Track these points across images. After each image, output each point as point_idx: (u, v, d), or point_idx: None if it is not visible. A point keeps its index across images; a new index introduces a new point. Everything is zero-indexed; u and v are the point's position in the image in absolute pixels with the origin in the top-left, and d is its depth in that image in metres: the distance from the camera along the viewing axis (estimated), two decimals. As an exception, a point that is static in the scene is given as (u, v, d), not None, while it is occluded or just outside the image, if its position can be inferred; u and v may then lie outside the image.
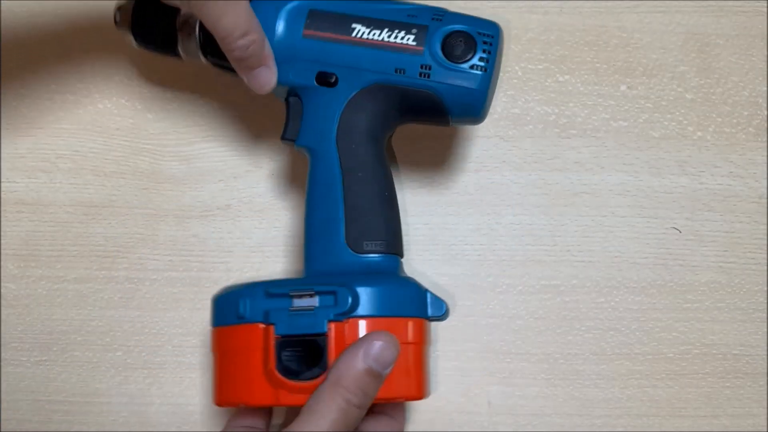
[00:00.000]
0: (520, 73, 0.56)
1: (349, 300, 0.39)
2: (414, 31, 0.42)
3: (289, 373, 0.40)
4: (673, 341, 0.54)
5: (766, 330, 0.54)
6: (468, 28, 0.42)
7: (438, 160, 0.55)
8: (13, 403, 0.52)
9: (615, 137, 0.55)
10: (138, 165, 0.54)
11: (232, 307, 0.41)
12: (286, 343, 0.40)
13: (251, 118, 0.55)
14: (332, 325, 0.39)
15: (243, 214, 0.54)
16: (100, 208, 0.54)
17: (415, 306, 0.42)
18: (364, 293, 0.40)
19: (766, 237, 0.54)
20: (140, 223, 0.54)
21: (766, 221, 0.55)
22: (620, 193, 0.55)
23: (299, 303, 0.40)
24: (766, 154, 0.55)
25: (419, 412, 0.52)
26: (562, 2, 0.56)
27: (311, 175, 0.44)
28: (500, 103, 0.55)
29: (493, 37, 0.43)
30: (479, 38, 0.42)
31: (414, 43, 0.42)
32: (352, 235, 0.43)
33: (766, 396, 0.53)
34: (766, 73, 0.56)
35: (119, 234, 0.54)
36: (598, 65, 0.56)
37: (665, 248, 0.54)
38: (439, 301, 0.42)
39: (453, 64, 0.42)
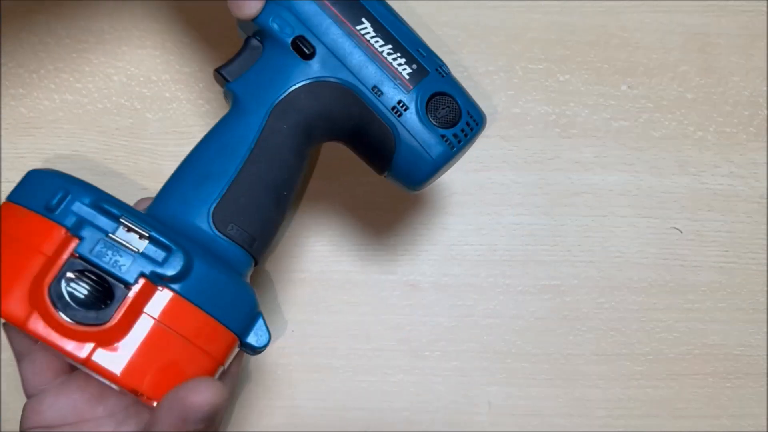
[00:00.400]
0: (520, 73, 0.56)
1: (180, 267, 0.33)
2: (414, 67, 0.40)
3: (60, 301, 0.32)
4: (673, 341, 0.53)
5: (766, 330, 0.54)
6: (461, 102, 0.40)
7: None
8: (13, 403, 0.52)
9: (616, 137, 0.55)
10: (138, 165, 0.54)
11: (45, 193, 0.34)
12: (79, 266, 0.33)
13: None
14: (142, 281, 0.33)
15: (243, 214, 0.54)
16: (99, 208, 0.54)
17: (240, 321, 0.36)
18: (199, 271, 0.34)
19: (766, 237, 0.54)
20: (140, 223, 0.54)
21: (766, 221, 0.55)
22: (621, 193, 0.55)
23: (123, 236, 0.33)
24: (766, 154, 0.55)
25: (420, 412, 0.52)
26: (563, 2, 0.56)
27: (222, 123, 0.39)
28: (501, 102, 0.55)
29: (477, 124, 0.41)
30: (465, 117, 0.40)
31: (407, 77, 0.40)
32: (222, 209, 0.37)
33: (766, 396, 0.53)
34: (766, 72, 0.56)
35: (119, 234, 0.54)
36: (598, 65, 0.56)
37: (666, 248, 0.54)
38: (265, 331, 0.37)
39: (429, 122, 0.40)
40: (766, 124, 0.55)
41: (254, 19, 0.39)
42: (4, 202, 0.36)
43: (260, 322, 0.37)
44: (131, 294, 0.33)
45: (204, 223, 0.37)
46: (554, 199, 0.54)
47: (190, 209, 0.37)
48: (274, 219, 0.40)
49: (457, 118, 0.40)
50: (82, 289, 0.32)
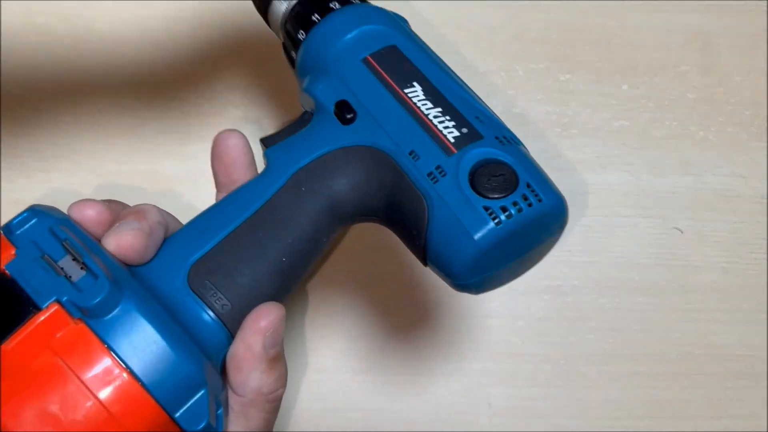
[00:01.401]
0: (521, 73, 0.55)
1: (100, 296, 0.27)
2: (464, 131, 0.32)
3: None
4: (675, 342, 0.53)
5: (767, 331, 0.54)
6: (520, 172, 0.31)
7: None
8: (13, 403, 0.52)
9: (617, 137, 0.55)
10: (138, 165, 0.54)
11: (18, 219, 0.30)
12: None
13: (251, 119, 0.55)
14: (54, 308, 0.28)
15: (243, 214, 0.54)
16: (99, 208, 0.54)
17: (170, 390, 0.28)
18: (127, 311, 0.28)
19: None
20: (140, 223, 0.54)
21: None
22: (622, 193, 0.54)
23: (63, 261, 0.29)
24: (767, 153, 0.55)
25: (419, 413, 0.52)
26: (564, 1, 0.56)
27: (247, 184, 0.36)
28: (501, 102, 0.55)
29: (540, 201, 0.31)
30: (524, 189, 0.31)
31: (452, 140, 0.32)
32: (204, 263, 0.32)
33: (767, 397, 0.53)
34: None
35: (119, 234, 0.53)
36: (599, 65, 0.56)
37: (667, 248, 0.54)
38: (203, 411, 0.28)
39: (471, 190, 0.31)
40: (767, 124, 0.55)
41: (306, 89, 0.36)
42: None
43: (200, 398, 0.28)
44: (37, 318, 0.27)
45: (179, 275, 0.31)
46: (555, 199, 0.54)
47: (172, 258, 0.32)
48: (263, 290, 0.33)
49: (511, 186, 0.31)
50: None
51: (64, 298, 0.28)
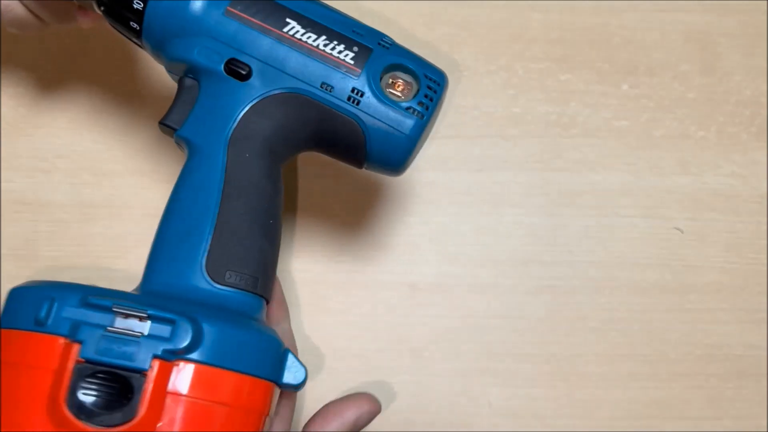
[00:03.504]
0: (521, 72, 0.55)
1: (189, 337, 0.31)
2: (355, 49, 0.37)
3: (83, 411, 0.30)
4: (675, 342, 0.53)
5: (768, 331, 0.54)
6: (415, 68, 0.37)
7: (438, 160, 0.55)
8: (13, 403, 0.52)
9: (617, 137, 0.55)
10: (138, 165, 0.54)
11: (31, 307, 0.31)
12: (88, 370, 0.30)
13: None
14: (157, 363, 0.30)
15: (243, 214, 0.54)
16: (99, 208, 0.54)
17: (270, 366, 0.34)
18: (211, 333, 0.31)
19: None
20: (140, 223, 0.54)
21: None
22: (622, 193, 0.54)
23: (123, 324, 0.31)
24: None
25: (420, 413, 0.52)
26: (564, 1, 0.56)
27: (185, 173, 0.37)
28: (501, 102, 0.55)
29: (439, 85, 0.38)
30: (424, 81, 0.37)
31: (351, 62, 0.37)
32: (214, 259, 0.35)
33: None
34: None
35: (119, 234, 0.54)
36: (599, 64, 0.56)
37: (667, 248, 0.54)
38: (299, 367, 0.35)
39: (389, 99, 0.37)
40: (767, 124, 0.55)
41: (180, 58, 0.37)
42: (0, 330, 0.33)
43: (290, 359, 0.34)
44: (150, 380, 0.30)
45: (200, 279, 0.34)
46: (555, 199, 0.54)
47: (181, 271, 0.35)
48: (268, 251, 0.37)
49: (415, 85, 0.37)
50: (99, 393, 0.30)
51: (160, 351, 0.30)
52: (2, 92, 0.55)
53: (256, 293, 0.36)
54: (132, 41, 0.40)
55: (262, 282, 0.36)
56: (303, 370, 0.35)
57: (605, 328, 0.53)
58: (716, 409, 0.53)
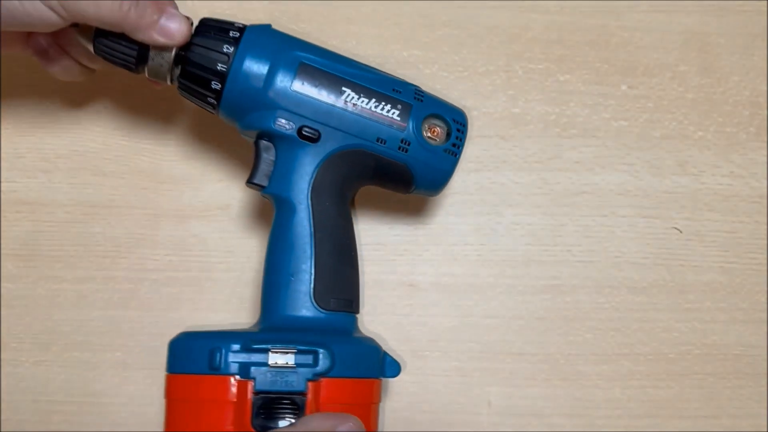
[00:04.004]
0: (520, 73, 0.56)
1: (329, 362, 0.40)
2: (399, 107, 0.45)
3: (264, 429, 0.40)
4: (673, 341, 0.53)
5: (766, 330, 0.54)
6: (446, 115, 0.46)
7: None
8: (13, 403, 0.52)
9: (616, 137, 0.55)
10: (138, 165, 0.54)
11: (201, 356, 0.41)
12: (263, 399, 0.40)
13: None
14: (310, 385, 0.40)
15: (243, 214, 0.54)
16: (99, 207, 0.54)
17: (377, 367, 0.43)
18: (341, 354, 0.41)
19: (766, 237, 0.54)
20: (140, 223, 0.54)
21: (766, 221, 0.55)
22: (621, 193, 0.55)
23: (277, 359, 0.40)
24: (766, 153, 0.55)
25: (420, 412, 0.52)
26: (563, 2, 0.56)
27: (279, 224, 0.45)
28: (500, 102, 0.55)
29: (464, 125, 0.46)
30: (454, 125, 0.46)
31: (398, 119, 0.44)
32: (319, 291, 0.43)
33: (766, 396, 0.53)
34: (766, 72, 0.56)
35: (119, 234, 0.54)
36: (598, 65, 0.56)
37: (666, 248, 0.54)
38: (395, 363, 0.44)
39: (429, 145, 0.45)
40: (766, 124, 0.55)
41: (258, 127, 0.44)
42: (171, 375, 0.42)
43: (388, 358, 0.44)
44: (309, 398, 0.40)
45: (311, 309, 0.43)
46: (554, 199, 0.54)
47: (295, 305, 0.43)
48: (355, 276, 0.46)
49: (448, 130, 0.46)
50: (275, 414, 0.40)
51: (311, 376, 0.40)
52: (3, 93, 0.55)
53: (352, 312, 0.45)
54: (204, 109, 0.46)
55: (356, 302, 0.45)
56: (397, 365, 0.44)
57: (604, 328, 0.53)
58: (714, 408, 0.53)
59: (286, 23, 0.55)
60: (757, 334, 0.54)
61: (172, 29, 0.42)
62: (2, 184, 0.54)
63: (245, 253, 0.54)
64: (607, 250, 0.54)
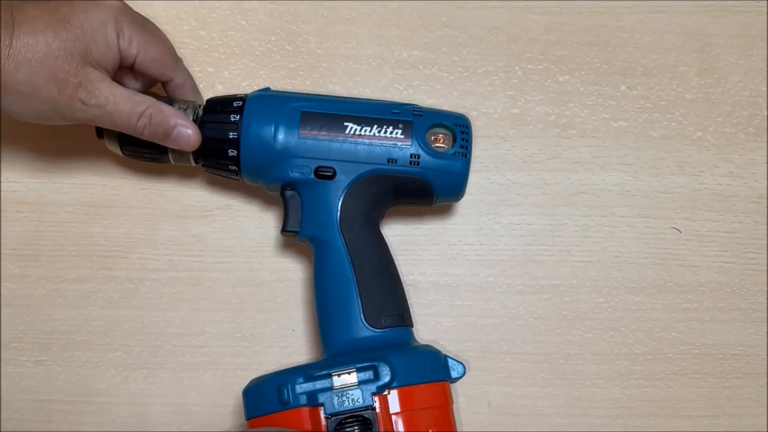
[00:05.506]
0: (520, 73, 0.56)
1: (390, 373, 0.43)
2: (400, 126, 0.47)
3: None
4: (672, 341, 0.54)
5: (765, 330, 0.54)
6: (446, 122, 0.48)
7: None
8: (13, 403, 0.52)
9: (615, 137, 0.55)
10: (138, 165, 0.54)
11: (271, 396, 0.44)
12: (336, 420, 0.42)
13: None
14: (376, 398, 0.43)
15: (243, 214, 0.54)
16: (100, 208, 0.54)
17: (441, 371, 0.46)
18: (400, 364, 0.43)
19: (766, 237, 0.55)
20: (140, 223, 0.54)
21: (766, 221, 0.55)
22: (620, 193, 0.55)
23: (340, 381, 0.43)
24: (766, 154, 0.55)
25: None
26: (563, 2, 0.56)
27: (319, 262, 0.47)
28: (500, 103, 0.55)
29: (467, 127, 0.48)
30: (457, 129, 0.48)
31: (402, 136, 0.47)
32: (369, 313, 0.46)
33: (765, 396, 0.53)
34: (766, 72, 0.56)
35: (119, 234, 0.54)
36: (598, 65, 0.56)
37: (665, 248, 0.54)
38: (458, 364, 0.46)
39: (438, 152, 0.47)
40: (765, 124, 0.56)
41: (279, 180, 0.48)
42: (251, 421, 0.44)
43: (451, 361, 0.46)
44: (378, 411, 0.43)
45: (366, 331, 0.46)
46: (554, 199, 0.54)
47: (352, 331, 0.46)
48: (400, 289, 0.48)
49: (453, 135, 0.48)
50: (352, 431, 0.43)
51: (375, 389, 0.43)
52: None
53: (406, 325, 0.47)
54: (231, 179, 0.50)
55: (406, 315, 0.47)
56: (461, 366, 0.46)
57: (603, 327, 0.54)
58: (713, 407, 0.53)
59: (287, 23, 0.55)
60: (755, 334, 0.54)
61: (183, 140, 0.47)
62: (3, 184, 0.54)
63: (245, 253, 0.54)
64: (607, 250, 0.54)
